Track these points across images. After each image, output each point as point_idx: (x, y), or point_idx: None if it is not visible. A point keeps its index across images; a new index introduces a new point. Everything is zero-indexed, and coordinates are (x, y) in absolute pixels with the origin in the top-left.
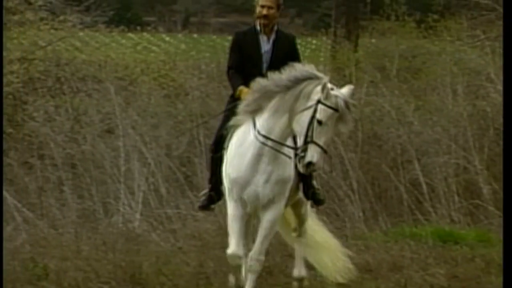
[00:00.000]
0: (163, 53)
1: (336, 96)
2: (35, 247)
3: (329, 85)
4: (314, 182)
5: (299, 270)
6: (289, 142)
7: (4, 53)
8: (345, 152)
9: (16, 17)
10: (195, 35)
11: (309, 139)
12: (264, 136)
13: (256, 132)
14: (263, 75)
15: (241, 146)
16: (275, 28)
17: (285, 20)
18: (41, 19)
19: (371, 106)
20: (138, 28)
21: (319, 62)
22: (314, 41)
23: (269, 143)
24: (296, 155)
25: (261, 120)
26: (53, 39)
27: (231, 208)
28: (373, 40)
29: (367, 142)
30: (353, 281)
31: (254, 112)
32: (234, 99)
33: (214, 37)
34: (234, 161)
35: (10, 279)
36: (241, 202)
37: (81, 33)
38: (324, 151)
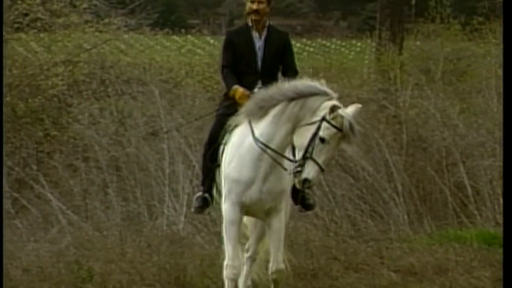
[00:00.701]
0: (207, 55)
1: (342, 116)
2: (79, 250)
3: (338, 105)
4: None
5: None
6: (287, 152)
7: (49, 56)
8: (389, 155)
9: (61, 20)
10: None
11: (308, 155)
12: (263, 144)
13: (254, 138)
14: (258, 74)
15: (240, 148)
16: (267, 24)
17: (330, 23)
18: (86, 21)
19: (416, 108)
20: (183, 31)
21: (364, 64)
22: (358, 44)
23: (268, 151)
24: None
25: (261, 126)
26: (97, 41)
27: (228, 212)
28: (418, 43)
29: (412, 145)
30: (398, 284)
31: (254, 115)
32: (228, 98)
33: None
34: (234, 161)
35: (55, 282)
36: (240, 205)
37: (125, 36)
38: (322, 169)
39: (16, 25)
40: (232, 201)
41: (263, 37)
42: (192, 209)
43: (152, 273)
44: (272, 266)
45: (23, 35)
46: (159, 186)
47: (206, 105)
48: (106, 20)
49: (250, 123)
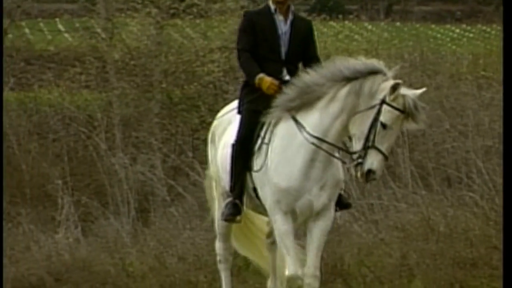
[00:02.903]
0: (365, 41)
1: (404, 96)
2: None
3: (397, 82)
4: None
5: (274, 284)
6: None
7: (205, 42)
8: None
9: (217, 6)
10: (397, 24)
11: (370, 143)
12: (318, 139)
13: (307, 134)
14: (282, 61)
15: (287, 150)
16: (292, 8)
17: (490, 8)
18: (242, 7)
19: None
20: (340, 16)
21: None
22: None
23: (324, 146)
24: (352, 160)
25: (310, 120)
26: None
27: (280, 223)
28: None
29: None
30: None
31: (297, 108)
32: (252, 89)
33: (417, 25)
34: (280, 168)
35: (210, 270)
36: (292, 214)
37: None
38: (386, 157)
39: (172, 11)
40: (283, 211)
41: (288, 22)
42: (222, 217)
43: None
44: (308, 270)
45: (179, 21)
46: None
47: None
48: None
49: (294, 118)
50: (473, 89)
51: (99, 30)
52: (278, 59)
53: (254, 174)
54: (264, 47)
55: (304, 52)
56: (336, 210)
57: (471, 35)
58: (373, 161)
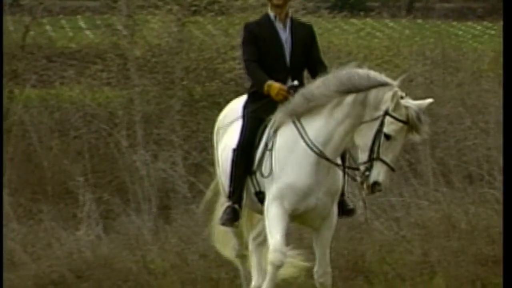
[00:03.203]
0: (386, 38)
1: (407, 107)
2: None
3: (400, 93)
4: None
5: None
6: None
7: (227, 39)
8: None
9: (238, 3)
10: (419, 21)
11: (374, 155)
12: (319, 149)
13: (309, 141)
14: (287, 69)
15: (293, 152)
16: (290, 14)
17: None
18: (263, 5)
19: None
20: (361, 13)
21: None
22: None
23: (327, 152)
24: (348, 172)
25: (314, 127)
26: None
27: (274, 208)
28: None
29: None
30: None
31: (301, 113)
32: (259, 96)
33: (439, 22)
34: (288, 169)
35: (232, 268)
36: (292, 213)
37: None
38: (392, 169)
39: (193, 8)
40: (285, 209)
41: (287, 28)
42: (220, 222)
43: (330, 259)
44: (318, 270)
45: (200, 18)
46: None
47: None
48: None
49: (296, 123)
50: (495, 86)
51: (120, 27)
52: (284, 67)
53: (263, 179)
54: (268, 57)
55: (308, 57)
56: (339, 217)
57: (492, 32)
58: (378, 172)
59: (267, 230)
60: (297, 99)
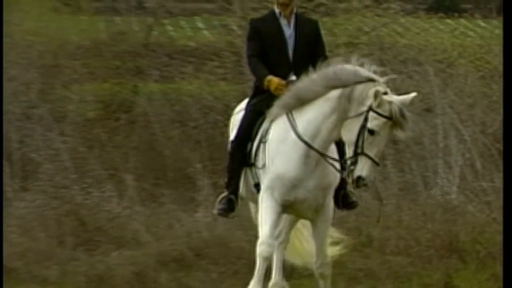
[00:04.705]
0: (478, 37)
1: (390, 103)
2: (359, 217)
3: (382, 89)
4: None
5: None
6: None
7: (331, 38)
8: None
9: (342, 5)
10: None
11: (359, 150)
12: (307, 142)
13: (297, 134)
14: (290, 65)
15: (284, 144)
16: (294, 10)
17: None
18: (366, 6)
19: None
20: (456, 14)
21: None
22: None
23: (315, 144)
24: (344, 166)
25: (304, 119)
26: (376, 25)
27: (266, 200)
28: None
29: None
30: None
31: (293, 107)
32: (260, 91)
33: None
34: (278, 158)
35: None
36: (282, 204)
37: (402, 20)
38: (376, 163)
39: (301, 10)
40: (275, 200)
41: (292, 25)
42: (215, 212)
43: (426, 239)
44: (317, 261)
45: None
46: (433, 159)
47: (478, 84)
48: (385, 5)
49: (288, 116)
50: None
51: (235, 27)
52: (286, 63)
53: (258, 170)
54: (272, 52)
55: (312, 53)
56: (342, 210)
57: None
58: (363, 167)
59: (258, 222)
60: (289, 94)
